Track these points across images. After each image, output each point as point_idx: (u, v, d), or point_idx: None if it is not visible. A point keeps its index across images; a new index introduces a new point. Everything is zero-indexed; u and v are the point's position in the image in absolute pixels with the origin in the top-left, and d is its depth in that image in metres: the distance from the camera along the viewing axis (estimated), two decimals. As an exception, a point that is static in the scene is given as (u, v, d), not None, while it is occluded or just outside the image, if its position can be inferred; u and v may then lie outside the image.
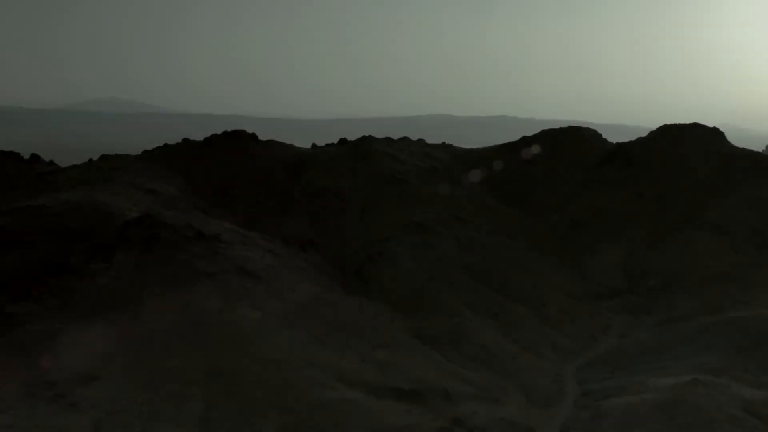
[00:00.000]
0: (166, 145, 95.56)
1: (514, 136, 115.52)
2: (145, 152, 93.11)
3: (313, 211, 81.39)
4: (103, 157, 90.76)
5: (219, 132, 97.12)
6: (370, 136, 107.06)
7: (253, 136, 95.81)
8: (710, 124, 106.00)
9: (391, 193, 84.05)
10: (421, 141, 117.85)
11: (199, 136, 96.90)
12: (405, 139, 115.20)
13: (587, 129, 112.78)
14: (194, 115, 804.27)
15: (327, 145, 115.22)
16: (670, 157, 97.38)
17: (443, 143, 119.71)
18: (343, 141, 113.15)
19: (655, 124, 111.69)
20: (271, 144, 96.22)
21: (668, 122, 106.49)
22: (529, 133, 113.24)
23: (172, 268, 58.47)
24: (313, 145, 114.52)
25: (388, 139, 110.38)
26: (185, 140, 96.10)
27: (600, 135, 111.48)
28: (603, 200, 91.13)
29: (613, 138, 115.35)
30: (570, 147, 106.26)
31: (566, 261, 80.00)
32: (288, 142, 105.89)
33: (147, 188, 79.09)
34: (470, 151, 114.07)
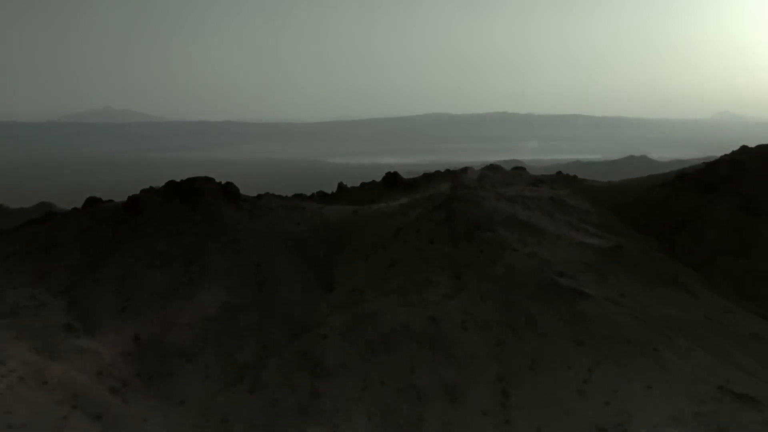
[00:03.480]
0: (49, 213, 46.69)
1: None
2: (2, 235, 44.19)
3: (384, 401, 32.07)
4: None
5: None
6: (450, 173, 57.86)
7: (229, 189, 46.84)
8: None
9: (556, 327, 35.32)
10: (520, 171, 68.89)
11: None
12: (496, 169, 66.48)
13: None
14: (189, 122, 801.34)
15: (362, 185, 66.51)
16: None
17: (558, 173, 71.04)
18: (390, 180, 64.12)
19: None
20: (264, 204, 46.96)
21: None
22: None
23: None
24: (341, 187, 65.55)
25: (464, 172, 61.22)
26: (91, 200, 47.34)
27: None
28: None
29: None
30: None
31: None
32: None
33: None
34: (614, 188, 65.06)
